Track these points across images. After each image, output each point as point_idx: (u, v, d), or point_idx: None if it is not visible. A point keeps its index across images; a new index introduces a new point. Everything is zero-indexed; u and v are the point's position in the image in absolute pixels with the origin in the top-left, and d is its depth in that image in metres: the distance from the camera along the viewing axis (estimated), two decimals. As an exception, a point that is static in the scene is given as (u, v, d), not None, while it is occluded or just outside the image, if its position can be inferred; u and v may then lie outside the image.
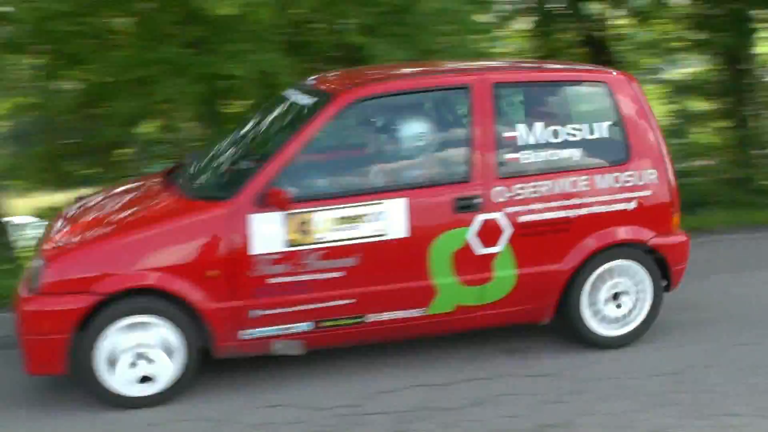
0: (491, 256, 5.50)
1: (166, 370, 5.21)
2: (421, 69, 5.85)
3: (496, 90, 5.55)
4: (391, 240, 5.32)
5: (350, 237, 5.28)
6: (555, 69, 5.97)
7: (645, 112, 5.83)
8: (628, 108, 5.78)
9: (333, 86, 5.56)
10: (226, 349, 5.30)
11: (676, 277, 5.96)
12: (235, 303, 5.18)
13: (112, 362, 5.13)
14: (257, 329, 5.27)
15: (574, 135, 5.66)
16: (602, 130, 5.72)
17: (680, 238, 5.92)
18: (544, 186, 5.56)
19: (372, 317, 5.40)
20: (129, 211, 5.40)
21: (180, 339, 5.20)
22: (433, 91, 5.55)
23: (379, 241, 5.31)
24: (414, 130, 5.52)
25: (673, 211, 5.86)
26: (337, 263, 5.28)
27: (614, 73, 5.87)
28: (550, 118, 5.65)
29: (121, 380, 5.17)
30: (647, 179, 5.76)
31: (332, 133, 5.35)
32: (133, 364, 5.17)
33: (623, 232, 5.73)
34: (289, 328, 5.32)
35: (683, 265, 5.97)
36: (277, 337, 5.33)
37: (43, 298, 4.99)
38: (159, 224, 5.13)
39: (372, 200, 5.30)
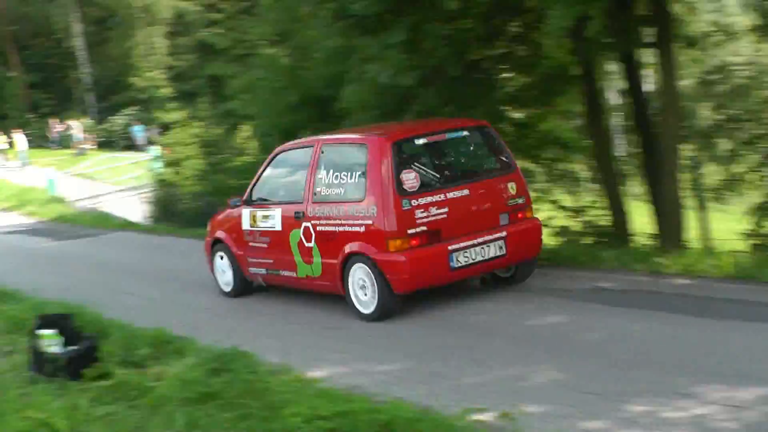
0: (311, 248, 9.22)
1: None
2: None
3: (321, 147, 9.16)
4: (277, 230, 9.64)
5: (266, 226, 9.82)
6: (345, 133, 8.97)
7: (381, 166, 8.44)
8: (373, 163, 8.52)
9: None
10: (249, 277, 10.41)
11: (394, 284, 8.40)
12: (241, 252, 10.31)
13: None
14: (252, 268, 10.25)
15: (343, 179, 8.81)
16: (357, 176, 8.67)
17: (397, 257, 8.34)
18: (327, 209, 8.96)
19: (281, 272, 9.77)
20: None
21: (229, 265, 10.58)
22: (304, 147, 9.44)
23: (274, 230, 9.69)
24: (293, 169, 9.55)
25: (389, 237, 8.36)
26: (264, 239, 9.88)
27: (378, 138, 8.59)
28: (336, 167, 8.92)
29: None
30: (371, 212, 8.48)
31: (271, 169, 9.88)
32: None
33: (357, 246, 8.62)
34: (260, 271, 10.13)
35: (401, 276, 8.33)
36: (258, 274, 10.20)
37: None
38: (226, 211, 10.62)
39: (271, 208, 9.71)
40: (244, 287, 10.58)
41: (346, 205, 8.74)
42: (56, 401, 6.51)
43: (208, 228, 11.01)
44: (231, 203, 10.26)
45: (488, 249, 8.81)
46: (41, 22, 51.44)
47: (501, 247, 8.88)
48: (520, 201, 9.12)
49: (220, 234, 10.64)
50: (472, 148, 9.21)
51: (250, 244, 10.11)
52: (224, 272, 10.72)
